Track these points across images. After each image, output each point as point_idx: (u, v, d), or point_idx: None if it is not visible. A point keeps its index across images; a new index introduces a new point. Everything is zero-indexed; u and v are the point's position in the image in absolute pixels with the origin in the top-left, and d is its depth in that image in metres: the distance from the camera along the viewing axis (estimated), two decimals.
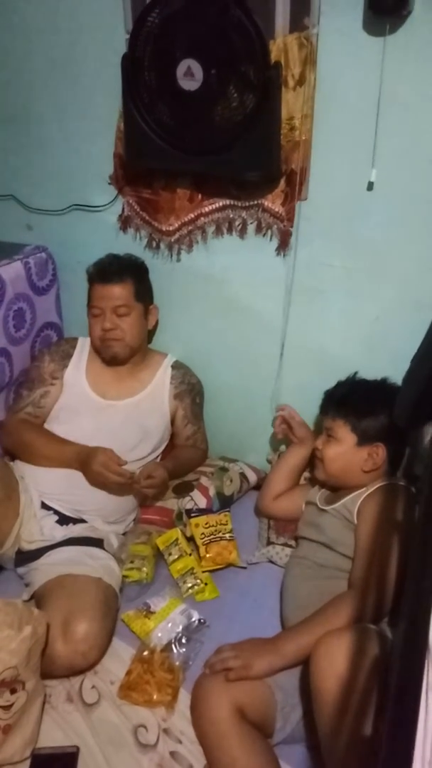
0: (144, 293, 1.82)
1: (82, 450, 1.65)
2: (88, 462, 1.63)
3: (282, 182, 1.59)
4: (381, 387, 1.54)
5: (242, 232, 1.72)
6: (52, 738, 1.28)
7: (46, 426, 1.79)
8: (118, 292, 1.74)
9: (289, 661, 1.25)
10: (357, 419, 1.48)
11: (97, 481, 1.63)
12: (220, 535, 1.69)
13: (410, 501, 1.37)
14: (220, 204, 1.71)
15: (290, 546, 1.68)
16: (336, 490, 1.55)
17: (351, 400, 1.52)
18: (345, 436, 1.49)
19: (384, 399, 1.45)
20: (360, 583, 1.29)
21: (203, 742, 1.22)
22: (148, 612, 1.49)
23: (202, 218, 1.75)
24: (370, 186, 1.50)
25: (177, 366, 1.90)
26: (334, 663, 1.05)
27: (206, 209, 1.73)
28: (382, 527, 1.33)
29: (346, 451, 1.48)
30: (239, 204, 1.68)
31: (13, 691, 1.21)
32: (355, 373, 1.60)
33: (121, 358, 1.80)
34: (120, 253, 1.84)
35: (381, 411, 1.46)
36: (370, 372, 1.66)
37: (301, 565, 1.49)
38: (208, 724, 1.20)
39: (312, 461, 1.64)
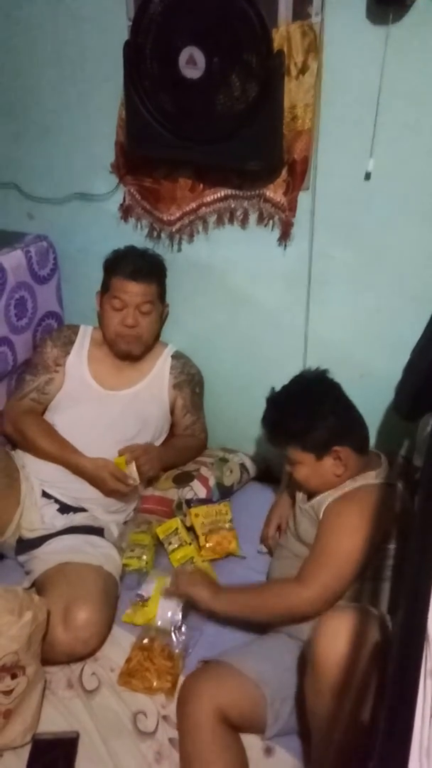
0: (164, 294, 1.83)
1: (83, 468, 1.66)
2: (91, 480, 1.66)
3: (284, 172, 1.59)
4: (307, 392, 1.48)
5: (244, 222, 1.71)
6: (53, 723, 1.29)
7: (47, 414, 1.79)
8: (146, 291, 1.74)
9: (217, 608, 1.40)
10: (301, 440, 1.42)
11: (104, 490, 1.67)
12: (220, 525, 1.69)
13: (386, 499, 1.38)
14: (222, 194, 1.70)
15: None
16: None
17: (284, 425, 1.46)
18: (302, 457, 1.44)
19: (314, 405, 1.43)
20: (306, 577, 1.33)
21: (180, 736, 1.24)
22: (143, 600, 1.50)
23: (204, 208, 1.74)
24: (368, 176, 1.50)
25: (177, 356, 1.90)
26: (336, 644, 1.06)
27: (208, 199, 1.72)
28: (340, 531, 1.35)
29: (311, 468, 1.44)
30: (241, 194, 1.68)
31: (13, 677, 1.22)
32: (272, 389, 1.51)
33: (135, 355, 1.81)
34: (122, 242, 1.83)
35: (318, 419, 1.41)
36: (371, 363, 1.66)
37: (282, 552, 1.53)
38: (187, 725, 1.22)
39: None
